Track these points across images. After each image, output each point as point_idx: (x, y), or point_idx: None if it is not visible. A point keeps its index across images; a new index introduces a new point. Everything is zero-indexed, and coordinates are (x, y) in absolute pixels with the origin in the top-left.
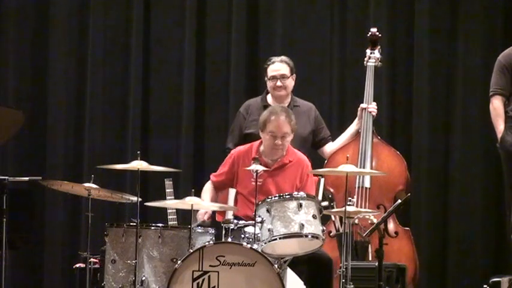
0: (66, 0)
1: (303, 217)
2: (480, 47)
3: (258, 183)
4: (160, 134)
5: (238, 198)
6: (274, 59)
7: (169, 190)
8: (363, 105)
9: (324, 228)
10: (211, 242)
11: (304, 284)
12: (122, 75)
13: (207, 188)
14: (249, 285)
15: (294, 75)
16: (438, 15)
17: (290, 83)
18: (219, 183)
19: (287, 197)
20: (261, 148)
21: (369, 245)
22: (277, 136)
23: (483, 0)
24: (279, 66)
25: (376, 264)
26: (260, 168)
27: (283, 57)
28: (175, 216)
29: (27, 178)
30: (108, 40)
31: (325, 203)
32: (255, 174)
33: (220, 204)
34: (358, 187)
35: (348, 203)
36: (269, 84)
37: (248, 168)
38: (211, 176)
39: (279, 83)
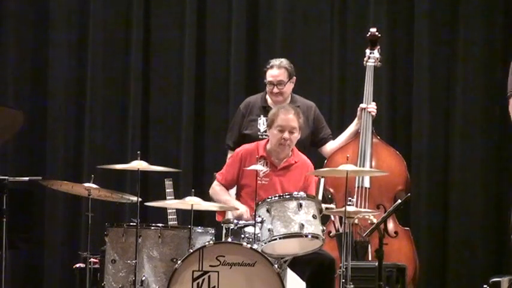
0: (66, 0)
1: (303, 217)
2: (480, 47)
3: (264, 182)
4: (161, 134)
5: (243, 195)
6: (273, 62)
7: (169, 190)
8: (362, 105)
9: (324, 228)
10: (211, 242)
11: (307, 285)
12: (122, 75)
13: (222, 189)
14: (249, 285)
15: (294, 78)
16: (438, 15)
17: (288, 88)
18: (228, 182)
19: (287, 197)
20: (268, 147)
21: (369, 245)
22: (285, 130)
23: (483, 0)
24: (276, 72)
25: (376, 264)
26: (260, 168)
27: (283, 61)
28: (175, 216)
29: (27, 178)
30: (108, 40)
31: (332, 206)
32: (261, 174)
33: (220, 204)
34: (358, 187)
35: (348, 203)
36: (267, 88)
37: (249, 168)
38: (218, 176)
39: (275, 90)
